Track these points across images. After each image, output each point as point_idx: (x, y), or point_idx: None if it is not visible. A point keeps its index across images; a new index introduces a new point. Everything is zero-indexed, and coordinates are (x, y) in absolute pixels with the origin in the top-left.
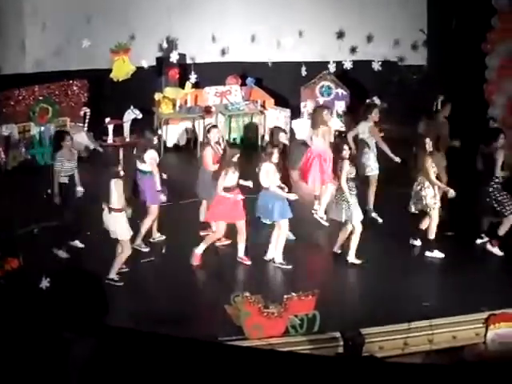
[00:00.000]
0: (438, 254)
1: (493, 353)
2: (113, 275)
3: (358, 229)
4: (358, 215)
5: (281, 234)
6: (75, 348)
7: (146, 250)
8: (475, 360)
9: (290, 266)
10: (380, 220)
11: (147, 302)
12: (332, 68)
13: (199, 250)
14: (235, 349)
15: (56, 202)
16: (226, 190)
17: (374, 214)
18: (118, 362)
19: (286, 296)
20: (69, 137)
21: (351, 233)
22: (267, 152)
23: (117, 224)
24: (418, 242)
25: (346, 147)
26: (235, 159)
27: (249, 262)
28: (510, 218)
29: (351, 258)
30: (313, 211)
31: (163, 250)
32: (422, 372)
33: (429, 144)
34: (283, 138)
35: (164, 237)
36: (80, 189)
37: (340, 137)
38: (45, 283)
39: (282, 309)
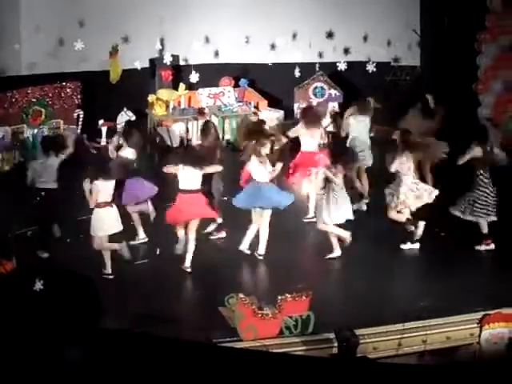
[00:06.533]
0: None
1: (487, 353)
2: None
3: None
4: (323, 217)
5: (262, 225)
6: (69, 352)
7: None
8: (469, 360)
9: (261, 257)
10: (364, 207)
11: (140, 303)
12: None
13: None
14: (229, 350)
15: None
16: (183, 191)
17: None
18: (111, 365)
19: (280, 297)
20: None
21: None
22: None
23: (108, 218)
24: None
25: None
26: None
27: (189, 270)
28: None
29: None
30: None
31: (158, 252)
32: (416, 373)
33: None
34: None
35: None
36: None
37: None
38: (38, 285)
39: (276, 310)
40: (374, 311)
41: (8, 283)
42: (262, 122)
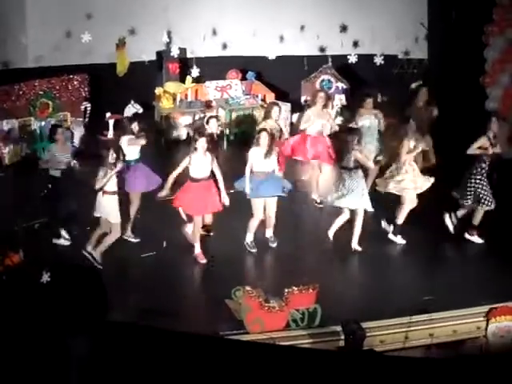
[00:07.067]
0: (399, 240)
1: (493, 346)
2: (97, 256)
3: (359, 216)
4: (352, 202)
5: (267, 219)
6: (76, 344)
7: (136, 240)
8: (476, 354)
9: (274, 244)
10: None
11: (147, 296)
12: (330, 61)
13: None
14: (236, 343)
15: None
16: (192, 180)
17: None
18: (118, 357)
19: (286, 290)
20: (61, 129)
21: (353, 219)
22: (256, 136)
23: (109, 206)
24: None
25: (350, 132)
26: (202, 147)
27: (204, 261)
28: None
29: (354, 244)
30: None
31: (164, 245)
32: (423, 366)
33: (412, 127)
34: (276, 114)
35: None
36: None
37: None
38: (46, 278)
39: (282, 303)
40: (380, 304)
41: (15, 276)
42: (275, 103)
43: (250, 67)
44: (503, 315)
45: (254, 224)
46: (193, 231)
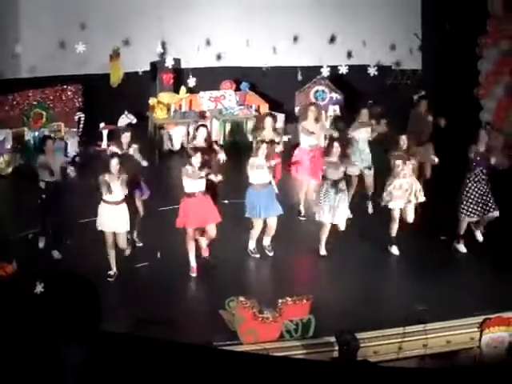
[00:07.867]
0: (395, 251)
1: (487, 357)
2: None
3: (325, 226)
4: (324, 216)
5: (267, 230)
6: (69, 355)
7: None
8: (470, 364)
9: (271, 253)
10: (370, 210)
11: (140, 306)
12: (326, 72)
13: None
14: (230, 354)
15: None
16: (187, 195)
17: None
18: (111, 368)
19: (280, 300)
20: (50, 141)
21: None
22: (254, 147)
23: (118, 216)
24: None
25: (335, 144)
26: (197, 163)
27: (194, 274)
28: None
29: (322, 250)
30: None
31: (158, 255)
32: (417, 376)
33: (403, 141)
34: (269, 125)
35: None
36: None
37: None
38: (39, 288)
39: (276, 313)
40: (374, 315)
41: (8, 286)
42: (268, 114)
43: (244, 78)
44: (497, 326)
45: (255, 233)
46: (187, 242)
